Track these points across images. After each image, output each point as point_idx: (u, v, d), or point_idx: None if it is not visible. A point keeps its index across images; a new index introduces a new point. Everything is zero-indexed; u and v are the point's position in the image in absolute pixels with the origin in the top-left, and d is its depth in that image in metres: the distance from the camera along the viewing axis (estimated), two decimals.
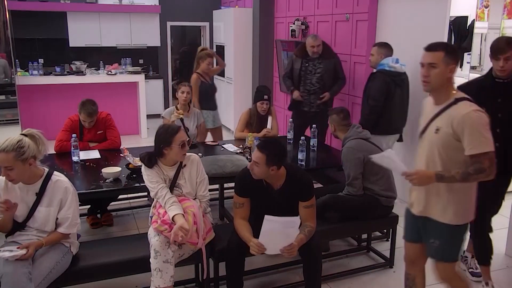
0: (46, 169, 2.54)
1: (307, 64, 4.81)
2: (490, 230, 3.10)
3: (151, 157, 2.75)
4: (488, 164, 2.08)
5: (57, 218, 2.51)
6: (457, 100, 2.16)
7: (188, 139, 2.78)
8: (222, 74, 8.21)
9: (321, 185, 4.04)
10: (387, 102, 4.03)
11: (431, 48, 2.16)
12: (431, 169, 2.22)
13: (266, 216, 2.40)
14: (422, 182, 2.17)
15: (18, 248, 2.36)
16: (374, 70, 4.19)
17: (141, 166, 2.86)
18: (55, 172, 2.56)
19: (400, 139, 4.34)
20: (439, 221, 2.26)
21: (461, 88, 2.56)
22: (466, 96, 2.20)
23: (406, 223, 2.57)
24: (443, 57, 2.12)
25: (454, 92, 2.20)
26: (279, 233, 2.51)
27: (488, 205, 2.97)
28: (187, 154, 2.84)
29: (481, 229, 3.04)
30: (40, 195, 2.47)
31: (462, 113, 2.09)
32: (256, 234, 2.65)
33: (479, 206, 2.78)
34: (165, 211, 2.64)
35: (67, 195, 2.51)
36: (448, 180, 2.14)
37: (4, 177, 2.42)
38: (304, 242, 2.63)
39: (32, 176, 2.46)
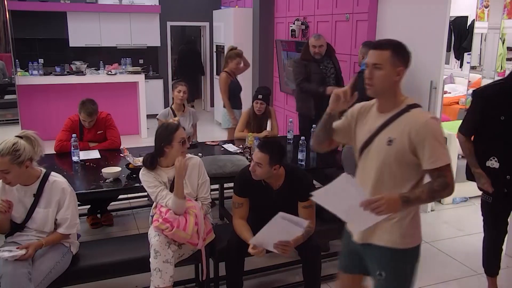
0: (43, 170, 2.54)
1: (321, 67, 4.64)
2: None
3: (153, 158, 2.74)
4: (451, 177, 1.82)
5: (56, 219, 2.51)
6: (410, 107, 1.86)
7: (188, 136, 2.78)
8: None
9: (321, 185, 4.03)
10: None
11: (376, 46, 1.88)
12: (379, 190, 1.86)
13: (280, 213, 2.25)
14: (391, 209, 1.74)
15: (17, 248, 2.36)
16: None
17: (141, 166, 2.86)
18: (52, 173, 2.56)
19: None
20: (384, 246, 1.89)
21: (477, 92, 2.52)
22: (416, 102, 1.90)
23: (343, 251, 2.15)
24: (390, 57, 1.82)
25: (403, 98, 1.90)
26: (281, 231, 2.44)
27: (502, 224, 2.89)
28: (188, 155, 2.84)
29: (494, 245, 2.97)
30: (37, 196, 2.47)
31: (421, 121, 1.79)
32: (255, 234, 2.65)
33: (494, 221, 2.80)
34: (167, 210, 2.64)
35: (64, 196, 2.50)
36: (414, 202, 1.81)
37: (1, 180, 2.42)
38: (301, 242, 2.62)
39: (29, 177, 2.45)
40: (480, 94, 2.65)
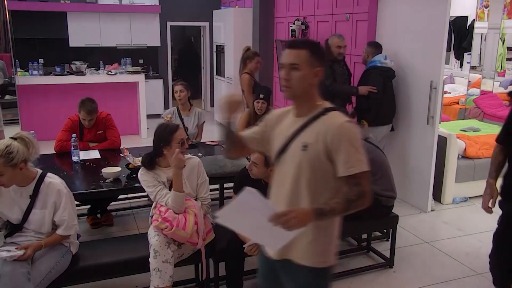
0: (39, 171, 2.52)
1: (341, 68, 4.54)
2: None
3: (152, 158, 2.74)
4: (368, 186, 1.66)
5: (54, 221, 2.51)
6: (327, 110, 1.72)
7: (186, 137, 2.78)
8: (222, 74, 8.23)
9: None
10: (383, 95, 4.38)
11: (293, 45, 1.73)
12: (294, 202, 1.71)
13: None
14: (303, 222, 1.56)
15: (16, 248, 2.36)
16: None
17: (141, 166, 2.86)
18: (48, 174, 2.54)
19: (392, 129, 4.62)
20: (300, 264, 1.75)
21: None
22: (334, 106, 1.77)
23: (260, 268, 2.02)
24: (308, 57, 1.69)
25: (320, 101, 1.77)
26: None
27: None
28: (188, 156, 2.83)
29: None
30: (33, 197, 2.45)
31: (336, 124, 1.66)
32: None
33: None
34: (167, 209, 2.64)
35: (60, 197, 2.48)
36: (329, 215, 1.63)
37: None
38: None
39: (25, 179, 2.44)
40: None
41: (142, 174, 2.75)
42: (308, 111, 1.74)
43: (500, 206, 2.53)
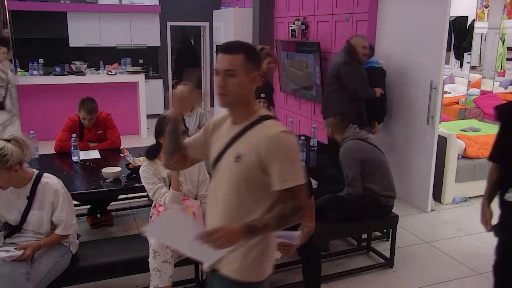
0: (35, 172, 2.51)
1: (363, 71, 4.41)
2: None
3: (152, 149, 2.80)
4: (303, 200, 1.58)
5: (52, 221, 2.51)
6: (262, 119, 1.62)
7: (184, 130, 2.79)
8: None
9: (321, 185, 4.04)
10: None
11: (227, 49, 1.61)
12: (228, 217, 1.62)
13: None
14: (232, 241, 1.49)
15: (15, 248, 2.36)
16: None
17: (141, 166, 2.86)
18: (45, 174, 2.54)
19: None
20: (226, 276, 1.67)
21: (500, 108, 2.17)
22: (271, 114, 1.68)
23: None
24: (244, 62, 1.58)
25: (256, 108, 1.67)
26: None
27: None
28: None
29: None
30: (31, 198, 2.45)
31: (271, 134, 1.56)
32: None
33: None
34: (165, 209, 2.64)
35: (57, 197, 2.48)
36: (261, 231, 1.55)
37: None
38: (303, 242, 2.63)
39: (21, 180, 2.43)
40: (500, 110, 2.19)
41: (143, 171, 2.77)
42: (244, 119, 1.63)
43: (495, 232, 2.28)
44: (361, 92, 4.29)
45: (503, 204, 2.17)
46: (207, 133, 1.78)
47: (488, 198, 2.28)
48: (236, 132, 1.63)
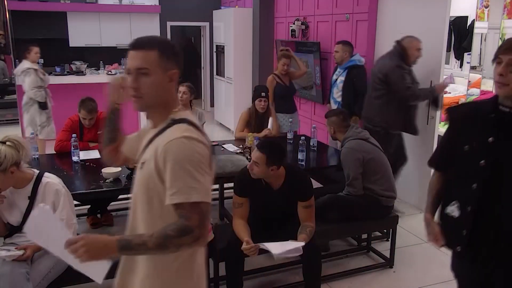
0: (36, 172, 2.51)
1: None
2: None
3: None
4: (198, 221, 1.33)
5: None
6: (174, 122, 1.45)
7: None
8: (222, 74, 8.23)
9: (321, 185, 4.04)
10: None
11: (138, 45, 1.46)
12: (134, 226, 1.50)
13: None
14: (95, 254, 1.33)
15: (16, 248, 2.36)
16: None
17: None
18: (46, 174, 2.54)
19: None
20: None
21: (450, 110, 1.90)
22: (187, 117, 1.49)
23: None
24: (158, 58, 1.42)
25: (175, 110, 1.51)
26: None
27: None
28: None
29: None
30: (32, 199, 2.45)
31: (169, 139, 1.37)
32: (255, 234, 2.65)
33: None
34: None
35: (58, 197, 2.48)
36: (138, 250, 1.34)
37: None
38: (307, 242, 2.63)
39: (21, 181, 2.43)
40: (449, 115, 1.91)
41: None
42: (162, 122, 1.47)
43: (452, 266, 2.14)
44: (413, 98, 4.00)
45: (444, 218, 1.90)
46: (140, 136, 1.66)
47: (431, 211, 1.98)
48: (150, 136, 1.48)
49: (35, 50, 5.37)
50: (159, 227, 1.35)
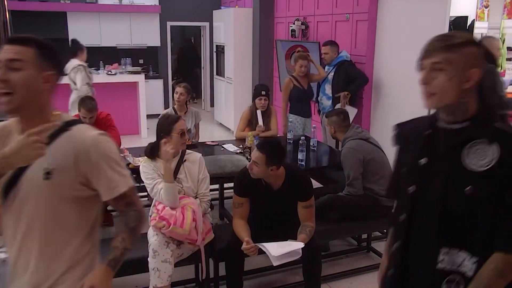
0: None
1: None
2: None
3: (153, 147, 2.79)
4: (140, 202, 1.48)
5: None
6: (69, 124, 1.40)
7: (188, 128, 2.81)
8: (221, 74, 8.23)
9: (321, 185, 4.04)
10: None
11: (16, 40, 1.36)
12: (49, 250, 1.37)
13: None
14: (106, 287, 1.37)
15: None
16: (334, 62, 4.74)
17: (140, 166, 2.86)
18: None
19: None
20: None
21: (396, 127, 1.59)
22: (75, 118, 1.46)
23: None
24: (34, 56, 1.34)
25: (56, 113, 1.45)
26: None
27: None
28: (190, 151, 2.87)
29: None
30: None
31: (89, 139, 1.35)
32: (255, 234, 2.65)
33: None
34: (164, 207, 2.64)
35: None
36: (123, 258, 1.44)
37: None
38: (307, 241, 2.63)
39: None
40: (394, 132, 1.62)
41: (143, 166, 2.78)
42: (36, 126, 1.29)
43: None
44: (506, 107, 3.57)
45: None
46: None
47: (388, 246, 1.64)
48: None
49: (85, 50, 5.58)
50: (76, 236, 1.38)
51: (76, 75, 5.35)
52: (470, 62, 1.29)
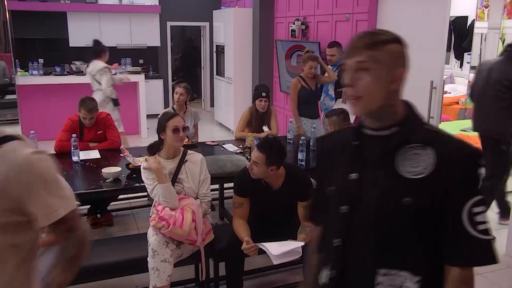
0: None
1: None
2: None
3: (154, 145, 2.82)
4: (82, 225, 1.32)
5: None
6: (1, 140, 1.20)
7: (184, 125, 2.80)
8: (221, 74, 8.23)
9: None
10: None
11: None
12: None
13: None
14: None
15: None
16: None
17: (140, 166, 2.87)
18: None
19: None
20: None
21: (318, 141, 1.48)
22: (6, 133, 1.23)
23: None
24: None
25: None
26: None
27: None
28: (191, 151, 2.87)
29: None
30: None
31: (20, 160, 1.17)
32: (255, 234, 2.65)
33: None
34: (163, 207, 2.64)
35: None
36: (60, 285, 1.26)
37: None
38: (306, 242, 2.63)
39: None
40: (317, 147, 1.54)
41: (144, 166, 2.77)
42: None
43: None
44: None
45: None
46: None
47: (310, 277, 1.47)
48: None
49: (108, 53, 5.77)
50: (6, 269, 1.21)
51: (102, 77, 5.51)
52: (395, 61, 1.19)
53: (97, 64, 5.56)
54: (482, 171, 1.15)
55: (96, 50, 5.69)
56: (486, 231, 1.14)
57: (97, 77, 5.53)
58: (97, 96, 5.45)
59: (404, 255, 1.19)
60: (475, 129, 4.20)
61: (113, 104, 5.61)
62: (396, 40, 1.23)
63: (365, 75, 1.17)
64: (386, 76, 1.17)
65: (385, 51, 1.18)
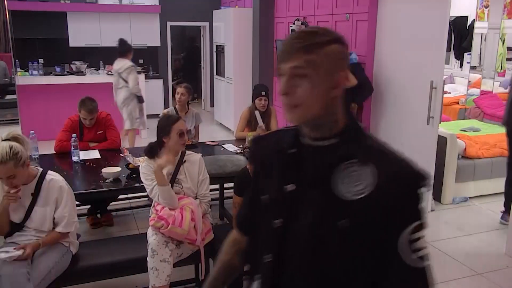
0: (40, 169, 2.54)
1: None
2: None
3: (153, 147, 2.79)
4: None
5: (54, 218, 2.51)
6: None
7: (187, 129, 2.81)
8: (221, 74, 8.23)
9: None
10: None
11: None
12: None
13: None
14: None
15: (15, 249, 2.36)
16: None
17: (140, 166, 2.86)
18: (49, 172, 2.56)
19: None
20: None
21: (252, 143, 1.34)
22: None
23: None
24: None
25: None
26: None
27: None
28: (190, 152, 2.87)
29: None
30: (35, 195, 2.46)
31: None
32: None
33: None
34: (162, 207, 2.64)
35: (62, 194, 2.50)
36: None
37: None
38: None
39: (27, 176, 2.45)
40: (249, 150, 1.39)
41: (143, 167, 2.77)
42: None
43: None
44: None
45: None
46: None
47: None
48: None
49: (132, 51, 5.98)
50: None
51: (129, 75, 5.71)
52: (336, 64, 1.03)
53: (124, 63, 5.75)
54: (425, 193, 1.01)
55: (123, 49, 5.87)
56: (423, 258, 1.01)
57: (124, 75, 5.72)
58: (122, 93, 5.77)
59: (343, 286, 1.04)
60: (504, 123, 4.26)
61: (137, 100, 5.79)
62: (336, 40, 1.05)
63: (303, 82, 1.02)
64: (326, 82, 1.03)
65: (324, 54, 1.02)
